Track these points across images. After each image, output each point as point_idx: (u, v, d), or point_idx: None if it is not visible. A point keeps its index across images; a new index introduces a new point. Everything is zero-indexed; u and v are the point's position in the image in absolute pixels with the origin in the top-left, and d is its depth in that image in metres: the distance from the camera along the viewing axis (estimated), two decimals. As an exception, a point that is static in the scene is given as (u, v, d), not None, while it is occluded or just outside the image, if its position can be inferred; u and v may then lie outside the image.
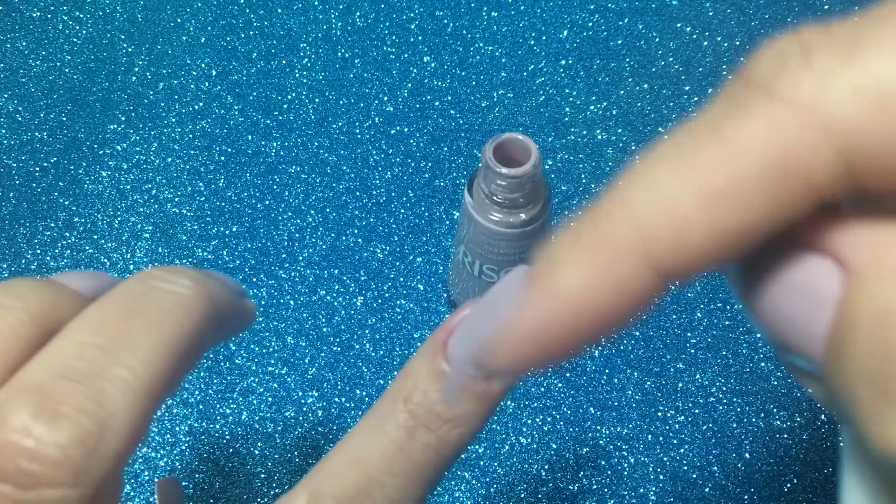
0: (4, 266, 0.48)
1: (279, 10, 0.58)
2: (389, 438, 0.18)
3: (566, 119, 0.53)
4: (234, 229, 0.49)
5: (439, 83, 0.54)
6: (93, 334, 0.17)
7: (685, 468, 0.42)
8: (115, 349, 0.17)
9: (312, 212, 0.50)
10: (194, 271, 0.20)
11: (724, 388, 0.44)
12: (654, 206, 0.13)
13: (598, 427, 0.43)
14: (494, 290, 0.17)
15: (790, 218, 0.13)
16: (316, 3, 0.58)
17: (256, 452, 0.43)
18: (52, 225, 0.50)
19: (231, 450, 0.43)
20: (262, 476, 0.42)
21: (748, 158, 0.12)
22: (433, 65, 0.55)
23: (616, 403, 0.44)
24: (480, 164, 0.35)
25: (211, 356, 0.45)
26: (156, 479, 0.42)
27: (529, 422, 0.44)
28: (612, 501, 0.42)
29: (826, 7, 0.57)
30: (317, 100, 0.54)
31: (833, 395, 0.13)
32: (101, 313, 0.18)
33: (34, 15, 0.58)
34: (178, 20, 0.57)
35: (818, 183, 0.12)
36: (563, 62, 0.55)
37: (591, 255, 0.14)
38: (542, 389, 0.44)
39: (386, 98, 0.54)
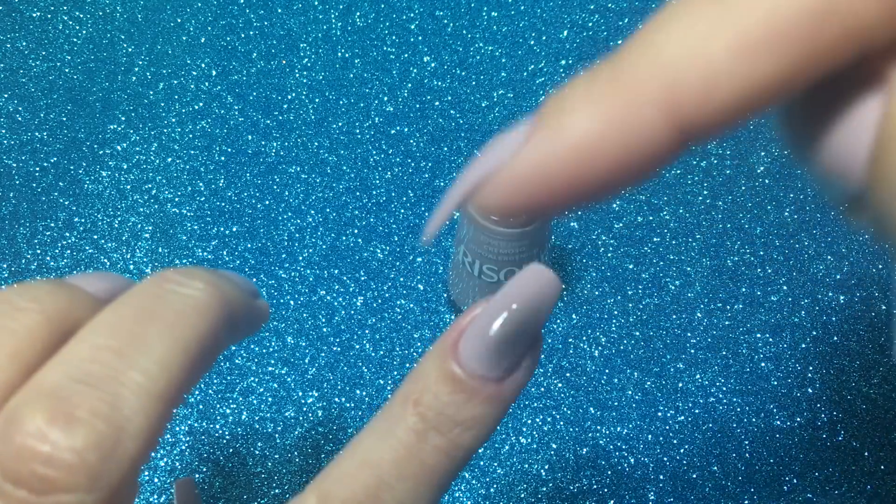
0: (4, 266, 0.48)
1: (279, 10, 0.58)
2: (399, 441, 0.18)
3: (566, 119, 0.53)
4: (234, 229, 0.49)
5: (439, 83, 0.54)
6: (108, 337, 0.17)
7: (685, 468, 0.42)
8: (130, 352, 0.17)
9: (312, 212, 0.50)
10: (208, 273, 0.20)
11: (724, 388, 0.44)
12: (683, 52, 0.13)
13: (598, 427, 0.43)
14: (493, 142, 0.16)
15: (832, 67, 0.12)
16: (316, 3, 0.58)
17: (256, 452, 0.43)
18: (52, 225, 0.50)
19: (231, 450, 0.43)
20: (262, 476, 0.42)
21: (790, 3, 0.12)
22: (433, 65, 0.55)
23: (616, 403, 0.44)
24: (480, 164, 0.35)
25: (211, 356, 0.45)
26: (159, 479, 0.42)
27: (529, 422, 0.44)
28: (612, 501, 0.42)
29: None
30: (317, 100, 0.54)
31: (878, 215, 0.12)
32: (115, 316, 0.18)
33: (34, 15, 0.58)
34: (178, 20, 0.57)
35: (863, 27, 0.12)
36: (563, 62, 0.55)
37: (606, 101, 0.13)
38: (542, 389, 0.44)
39: (386, 98, 0.54)
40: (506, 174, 0.15)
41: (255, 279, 0.48)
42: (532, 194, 0.14)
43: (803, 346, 0.45)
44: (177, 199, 0.50)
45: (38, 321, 0.17)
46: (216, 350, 0.19)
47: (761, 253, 0.48)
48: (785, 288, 0.47)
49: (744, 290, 0.47)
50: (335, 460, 0.19)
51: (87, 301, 0.19)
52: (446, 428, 0.18)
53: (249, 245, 0.49)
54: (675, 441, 0.43)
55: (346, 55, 0.56)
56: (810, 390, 0.44)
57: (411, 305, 0.47)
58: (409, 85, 0.54)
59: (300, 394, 0.44)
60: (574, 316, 0.46)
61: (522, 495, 0.42)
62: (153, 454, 0.43)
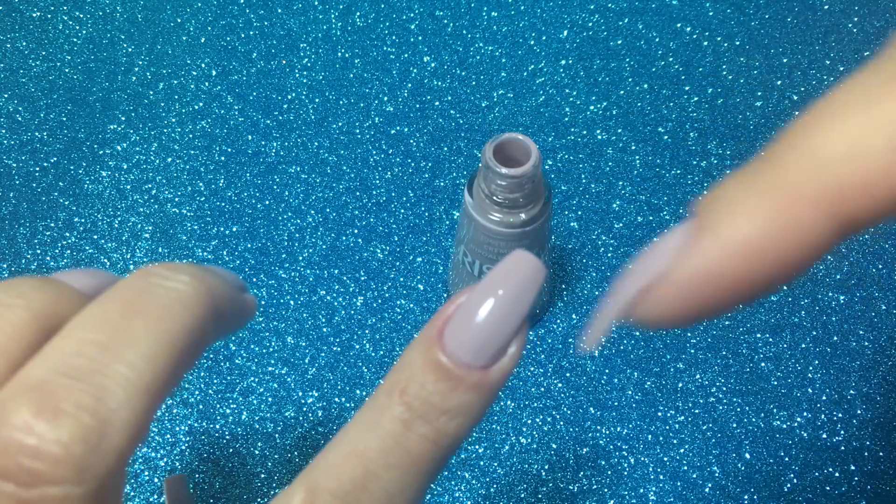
0: (4, 266, 0.48)
1: (279, 10, 0.58)
2: (386, 431, 0.18)
3: (566, 119, 0.53)
4: (234, 229, 0.49)
5: (439, 83, 0.54)
6: (93, 331, 0.17)
7: (685, 468, 0.42)
8: (116, 346, 0.17)
9: (312, 212, 0.50)
10: (193, 267, 0.20)
11: (724, 388, 0.44)
12: (843, 152, 0.13)
13: (598, 427, 0.43)
14: (649, 249, 0.16)
15: None
16: (316, 3, 0.58)
17: (256, 452, 0.43)
18: (52, 225, 0.50)
19: (231, 450, 0.43)
20: (262, 476, 0.42)
21: None
22: (433, 65, 0.55)
23: (616, 403, 0.44)
24: (480, 164, 0.35)
25: (211, 356, 0.45)
26: (159, 479, 0.42)
27: (529, 422, 0.44)
28: (612, 501, 0.42)
29: (826, 7, 0.57)
30: (317, 100, 0.54)
31: None
32: (101, 310, 0.18)
33: (34, 15, 0.58)
34: (178, 20, 0.57)
35: None
36: (563, 62, 0.55)
37: (767, 202, 0.14)
38: (542, 389, 0.44)
39: (386, 98, 0.54)
40: (670, 283, 0.15)
41: (255, 279, 0.48)
42: (698, 301, 0.15)
43: (803, 346, 0.45)
44: (177, 199, 0.50)
45: (24, 318, 0.17)
46: (202, 344, 0.19)
47: (761, 253, 0.48)
48: (785, 288, 0.47)
49: (744, 290, 0.47)
50: (323, 452, 0.19)
51: (74, 297, 0.19)
52: (432, 416, 0.18)
53: (249, 245, 0.49)
54: (675, 441, 0.43)
55: (346, 55, 0.56)
56: (810, 390, 0.44)
57: (411, 305, 0.47)
58: (409, 85, 0.54)
59: (300, 394, 0.44)
60: (574, 316, 0.46)
61: (522, 495, 0.42)
62: (154, 455, 0.43)
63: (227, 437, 0.43)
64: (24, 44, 0.57)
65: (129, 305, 0.18)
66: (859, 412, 0.43)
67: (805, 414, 0.43)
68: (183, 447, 0.43)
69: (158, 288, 0.18)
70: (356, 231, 0.49)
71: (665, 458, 0.42)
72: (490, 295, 0.18)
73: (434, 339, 0.18)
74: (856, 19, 0.56)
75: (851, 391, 0.44)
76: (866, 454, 0.42)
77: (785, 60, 0.55)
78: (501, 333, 0.18)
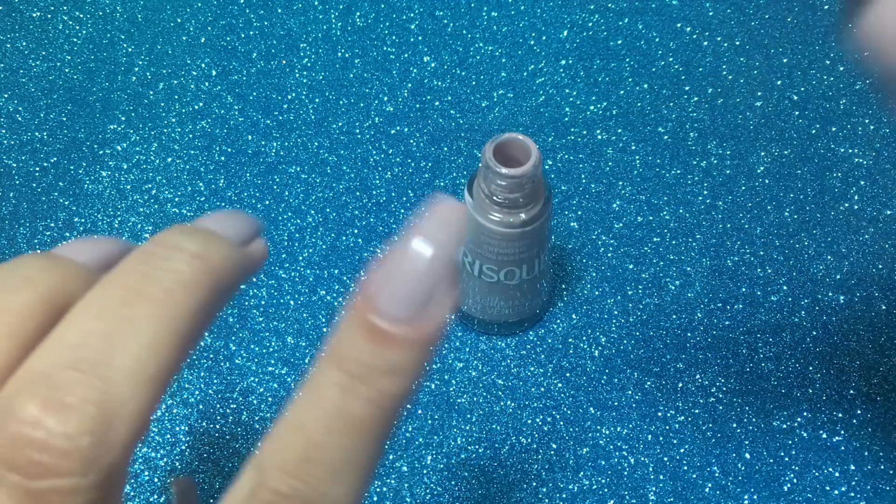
0: (4, 266, 0.48)
1: (279, 10, 0.58)
2: (326, 399, 0.18)
3: (566, 119, 0.53)
4: (234, 229, 0.49)
5: (439, 83, 0.54)
6: (96, 320, 0.18)
7: (685, 468, 0.42)
8: (119, 336, 0.17)
9: (312, 212, 0.50)
10: (195, 238, 0.20)
11: (724, 388, 0.44)
12: None
13: (598, 427, 0.43)
14: None
15: None
16: (316, 3, 0.58)
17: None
18: (52, 225, 0.50)
19: (231, 450, 0.43)
20: (262, 476, 0.42)
21: None
22: (433, 65, 0.55)
23: (616, 403, 0.44)
24: (480, 164, 0.35)
25: (211, 356, 0.45)
26: (159, 479, 0.42)
27: (529, 422, 0.44)
28: (612, 501, 0.42)
29: (826, 7, 0.57)
30: (317, 100, 0.54)
31: None
32: (103, 297, 0.18)
33: (34, 15, 0.58)
34: (178, 20, 0.57)
35: None
36: (563, 62, 0.55)
37: None
38: (542, 389, 0.44)
39: (386, 98, 0.54)
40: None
41: (255, 279, 0.48)
42: None
43: (803, 346, 0.45)
44: (177, 199, 0.50)
45: (31, 299, 0.18)
46: (205, 324, 0.19)
47: (761, 253, 0.48)
48: (785, 288, 0.47)
49: (744, 290, 0.47)
50: (269, 431, 0.19)
51: (80, 275, 0.19)
52: (371, 379, 0.18)
53: (249, 245, 0.49)
54: (675, 441, 0.43)
55: (346, 55, 0.56)
56: (810, 390, 0.44)
57: (411, 305, 0.47)
58: (409, 85, 0.54)
59: (300, 394, 0.44)
60: (574, 316, 0.46)
61: (522, 495, 0.42)
62: (154, 455, 0.43)
63: (227, 437, 0.43)
64: (24, 44, 0.57)
65: (131, 291, 0.18)
66: (859, 412, 0.43)
67: (805, 414, 0.43)
68: (183, 447, 0.43)
69: (159, 271, 0.19)
70: (356, 231, 0.49)
71: (665, 458, 0.42)
72: (409, 244, 0.18)
73: (362, 301, 0.18)
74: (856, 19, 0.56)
75: (851, 391, 0.44)
76: (866, 454, 0.42)
77: (785, 60, 0.55)
78: (427, 282, 0.18)
